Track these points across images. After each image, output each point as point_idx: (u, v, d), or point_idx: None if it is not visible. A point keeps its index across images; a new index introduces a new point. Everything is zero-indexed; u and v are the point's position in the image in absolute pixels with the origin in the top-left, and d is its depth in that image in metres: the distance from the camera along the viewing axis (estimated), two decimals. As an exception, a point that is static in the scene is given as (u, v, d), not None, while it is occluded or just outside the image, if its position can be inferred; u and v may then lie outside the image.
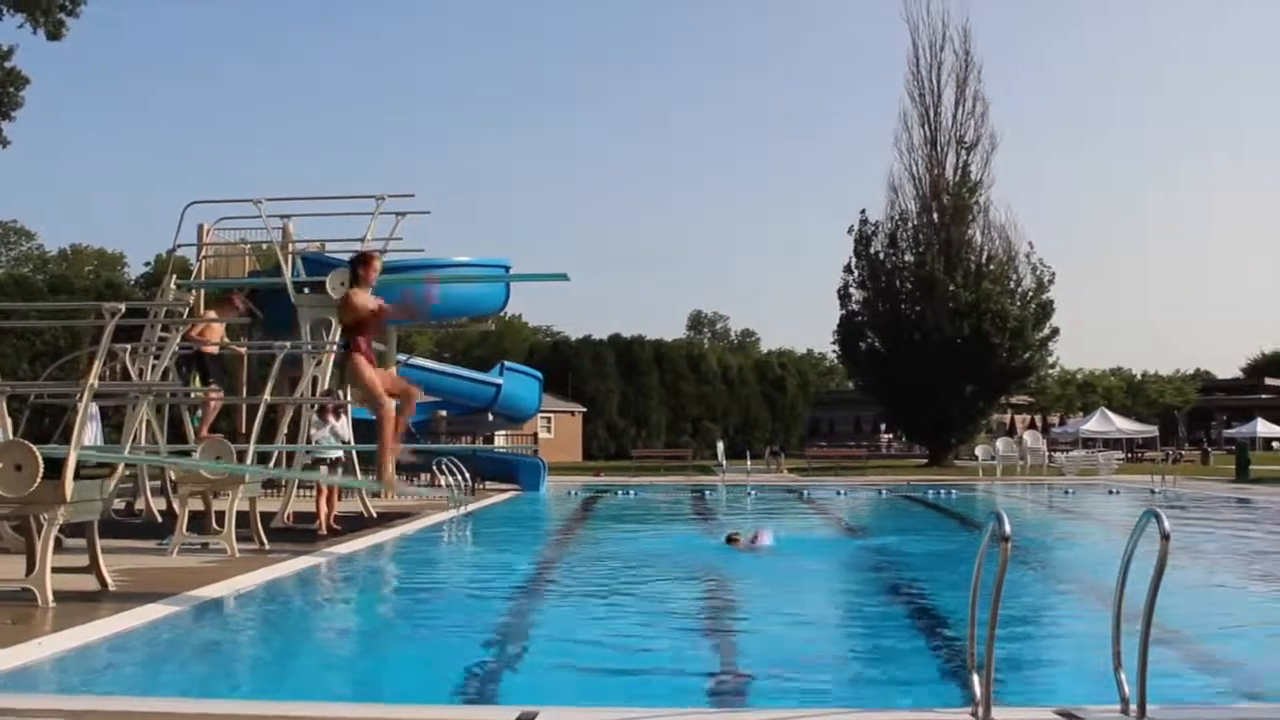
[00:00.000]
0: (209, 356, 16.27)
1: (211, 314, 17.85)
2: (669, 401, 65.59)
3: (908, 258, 47.39)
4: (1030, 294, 46.23)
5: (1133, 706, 5.06)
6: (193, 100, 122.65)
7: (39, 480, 8.16)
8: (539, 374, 33.11)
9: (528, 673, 7.04)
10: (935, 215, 47.64)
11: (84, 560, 9.29)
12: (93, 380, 8.69)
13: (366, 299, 9.49)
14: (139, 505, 16.80)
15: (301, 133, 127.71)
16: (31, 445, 8.29)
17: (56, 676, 6.49)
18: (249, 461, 12.48)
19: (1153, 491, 26.63)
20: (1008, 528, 4.90)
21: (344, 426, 15.97)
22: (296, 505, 16.53)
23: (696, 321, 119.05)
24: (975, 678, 5.09)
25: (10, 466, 8.10)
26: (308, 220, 20.70)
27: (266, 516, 13.78)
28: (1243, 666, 7.17)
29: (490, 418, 31.19)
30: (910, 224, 47.83)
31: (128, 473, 16.50)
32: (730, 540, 14.29)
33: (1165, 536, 4.90)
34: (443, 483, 19.85)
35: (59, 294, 35.50)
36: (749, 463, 35.41)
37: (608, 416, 62.87)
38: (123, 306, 8.43)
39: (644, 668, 6.94)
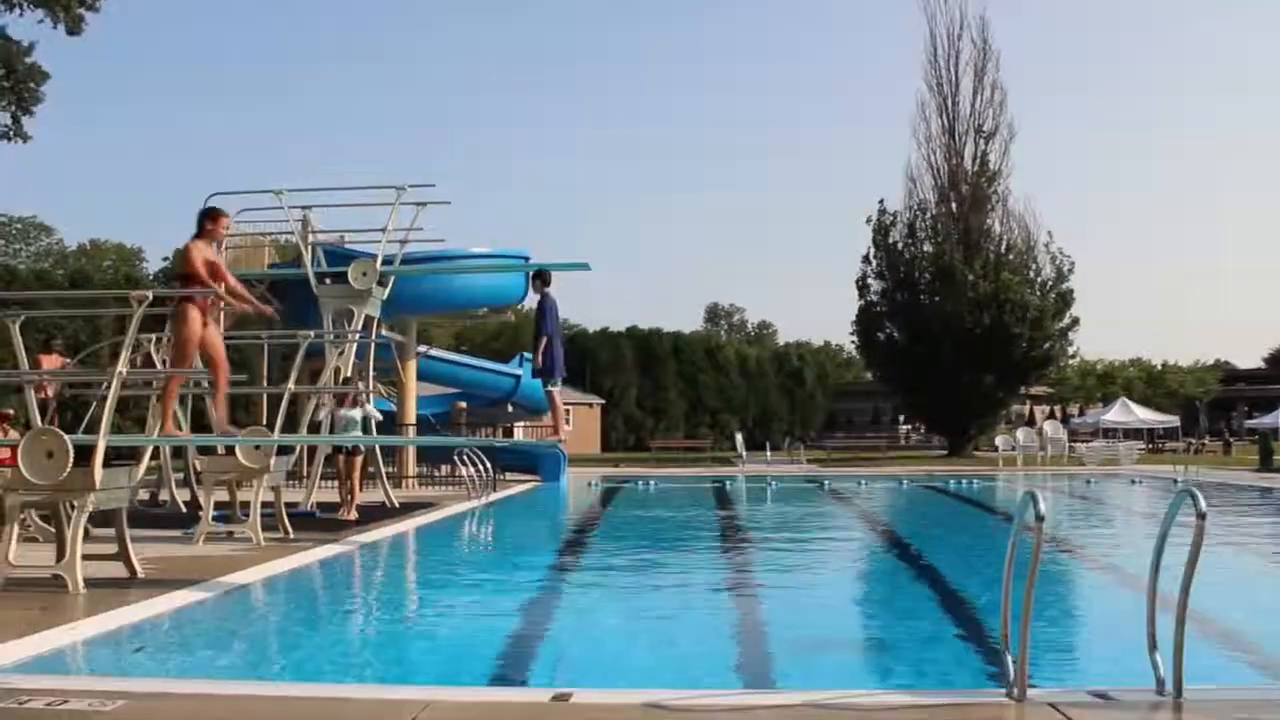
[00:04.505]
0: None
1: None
2: (687, 393, 65.49)
3: (926, 248, 47.12)
4: (1050, 283, 45.92)
5: (1168, 688, 5.02)
6: (212, 93, 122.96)
7: (69, 468, 8.21)
8: (558, 366, 33.05)
9: (558, 655, 7.05)
10: (954, 205, 47.37)
11: (112, 549, 9.33)
12: (122, 367, 8.71)
13: (205, 251, 9.26)
14: (163, 496, 16.90)
15: (319, 127, 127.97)
16: (61, 433, 8.34)
17: (89, 660, 6.53)
18: (273, 452, 12.49)
19: (1175, 481, 26.45)
20: (1043, 508, 4.86)
21: (371, 411, 15.98)
22: (319, 495, 16.59)
23: (714, 313, 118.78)
24: (1009, 659, 5.07)
25: (41, 454, 8.15)
26: (328, 212, 20.72)
27: (289, 506, 13.83)
28: (1277, 649, 7.12)
29: (510, 409, 31.21)
30: (929, 214, 47.55)
31: (153, 463, 16.64)
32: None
33: (1202, 515, 4.86)
34: (464, 473, 19.87)
35: (79, 289, 35.69)
36: (769, 454, 35.37)
37: (626, 408, 62.85)
38: (150, 295, 8.47)
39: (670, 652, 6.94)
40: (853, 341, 52.80)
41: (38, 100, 31.83)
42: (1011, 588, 5.08)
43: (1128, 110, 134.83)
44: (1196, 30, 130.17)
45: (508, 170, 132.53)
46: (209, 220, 9.48)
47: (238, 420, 17.54)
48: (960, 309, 43.94)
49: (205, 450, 14.27)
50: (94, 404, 14.14)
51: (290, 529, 12.77)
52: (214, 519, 12.22)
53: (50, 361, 14.83)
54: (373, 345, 18.96)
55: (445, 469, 23.76)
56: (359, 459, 15.84)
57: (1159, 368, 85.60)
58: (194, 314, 9.02)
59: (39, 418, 10.43)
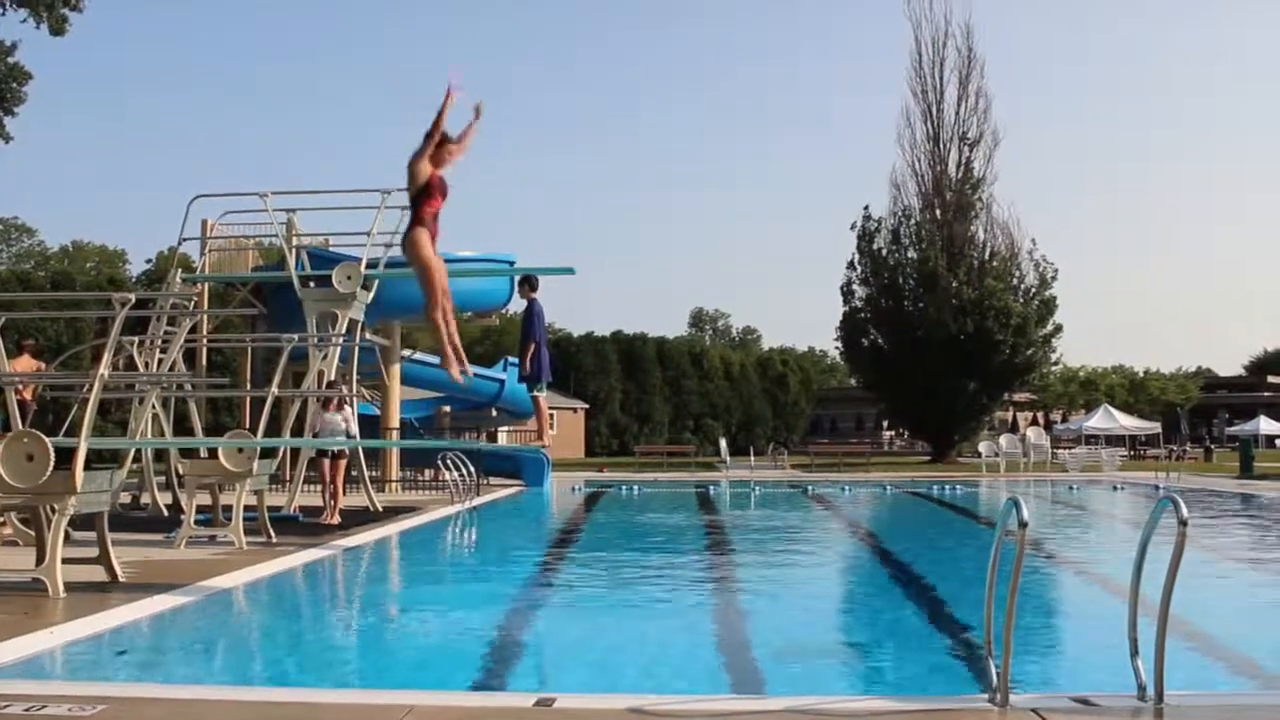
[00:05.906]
0: None
1: None
2: (671, 398, 65.45)
3: (911, 254, 47.24)
4: (1033, 290, 46.12)
5: (1149, 693, 5.04)
6: (196, 96, 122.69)
7: (50, 471, 8.16)
8: (543, 370, 32.99)
9: (541, 659, 7.04)
10: (938, 211, 47.57)
11: (92, 552, 9.26)
12: (104, 370, 8.65)
13: (427, 166, 8.61)
14: (144, 499, 16.81)
15: (306, 128, 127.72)
16: (42, 435, 8.28)
17: (68, 664, 6.48)
18: (256, 455, 12.44)
19: (1157, 487, 26.57)
20: (1025, 514, 4.87)
21: (351, 418, 15.95)
22: (302, 500, 16.52)
23: (698, 319, 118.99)
24: (992, 664, 5.08)
25: (21, 457, 8.10)
26: (312, 215, 20.66)
27: (272, 510, 13.77)
28: (1257, 654, 7.15)
29: (494, 413, 31.14)
30: (913, 220, 47.71)
31: (135, 466, 16.56)
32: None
33: (1183, 523, 4.88)
34: (447, 477, 19.83)
35: (61, 290, 35.46)
36: (752, 459, 35.42)
37: (610, 413, 62.77)
38: (133, 297, 8.42)
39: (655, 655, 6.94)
40: (837, 347, 52.94)
41: (20, 100, 31.69)
42: (994, 593, 5.10)
43: (1112, 117, 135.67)
44: (1190, 31, 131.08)
45: (493, 174, 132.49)
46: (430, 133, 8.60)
47: (222, 424, 17.53)
48: (944, 315, 44.09)
49: (187, 453, 14.20)
50: (75, 406, 14.06)
51: (273, 533, 12.71)
52: (196, 523, 12.15)
53: (22, 364, 14.69)
54: (356, 349, 18.89)
55: (429, 473, 23.69)
56: (342, 462, 15.78)
57: (1141, 375, 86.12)
58: (424, 236, 8.56)
59: (19, 420, 10.37)
